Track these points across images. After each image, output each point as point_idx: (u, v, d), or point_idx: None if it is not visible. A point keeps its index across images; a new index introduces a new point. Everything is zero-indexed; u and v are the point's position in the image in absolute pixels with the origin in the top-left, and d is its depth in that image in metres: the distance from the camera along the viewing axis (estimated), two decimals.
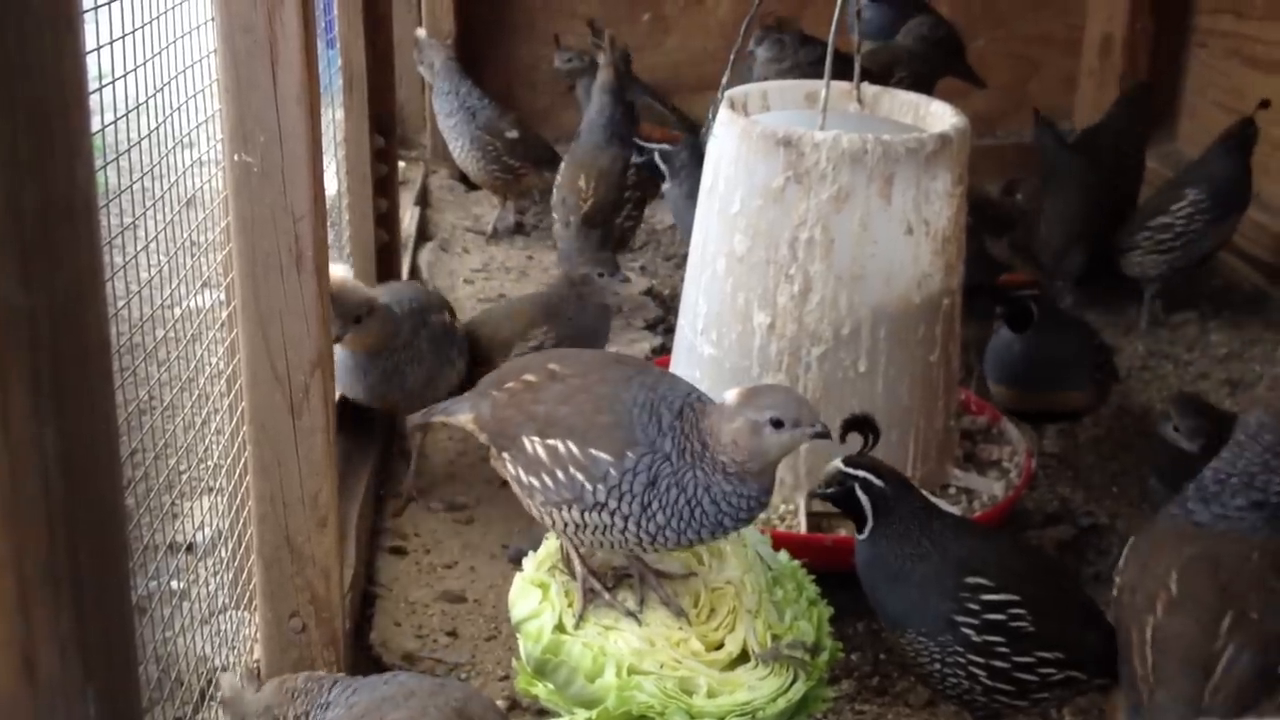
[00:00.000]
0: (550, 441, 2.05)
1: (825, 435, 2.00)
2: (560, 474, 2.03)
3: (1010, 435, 3.07)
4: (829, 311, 2.69)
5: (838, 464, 2.30)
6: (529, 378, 2.15)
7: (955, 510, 2.64)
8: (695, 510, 1.99)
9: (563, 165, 4.33)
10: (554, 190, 4.33)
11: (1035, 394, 3.21)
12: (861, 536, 2.29)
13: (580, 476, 2.01)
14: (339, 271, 3.01)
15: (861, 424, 2.30)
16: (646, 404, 2.01)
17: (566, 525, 2.06)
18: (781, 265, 2.71)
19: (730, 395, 2.00)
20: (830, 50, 2.77)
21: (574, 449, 2.02)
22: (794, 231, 2.68)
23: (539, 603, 2.15)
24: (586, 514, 2.02)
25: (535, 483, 2.07)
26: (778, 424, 1.95)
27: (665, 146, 3.37)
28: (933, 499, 2.48)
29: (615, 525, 2.01)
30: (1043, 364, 3.21)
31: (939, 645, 2.21)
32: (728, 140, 2.79)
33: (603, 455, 2.00)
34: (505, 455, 2.14)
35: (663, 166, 3.38)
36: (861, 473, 2.28)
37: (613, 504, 1.99)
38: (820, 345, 2.71)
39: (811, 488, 2.42)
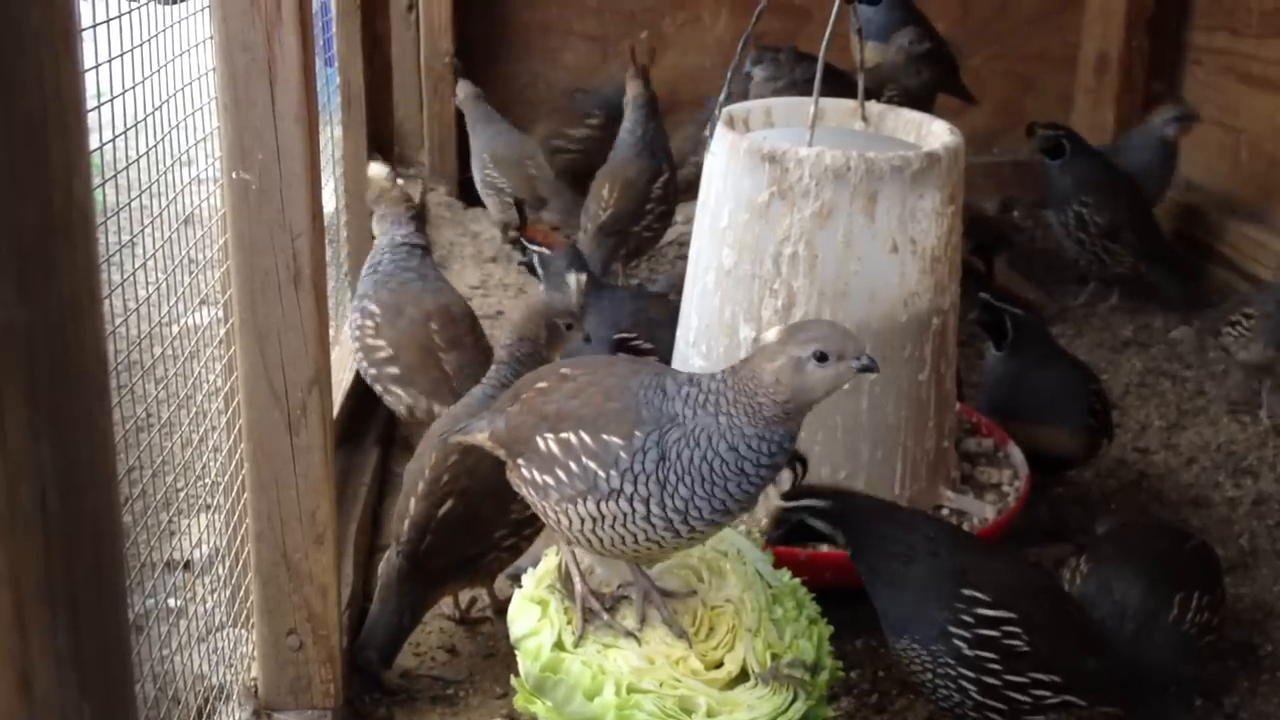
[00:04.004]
0: (563, 435, 2.03)
1: (872, 369, 1.94)
2: (573, 465, 2.01)
3: (1014, 459, 3.05)
4: None
5: (776, 503, 2.30)
6: (541, 385, 2.16)
7: None
8: (714, 463, 1.93)
9: (597, 174, 4.43)
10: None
11: (1017, 425, 3.11)
12: (851, 554, 2.30)
13: (593, 465, 1.99)
14: None
15: (789, 461, 2.31)
16: (653, 384, 2.00)
17: (583, 522, 2.03)
18: (766, 280, 2.71)
19: (772, 334, 1.96)
20: (820, 66, 2.78)
21: (585, 437, 2.00)
22: (778, 246, 2.69)
23: (538, 620, 2.14)
24: (603, 504, 1.99)
25: (549, 480, 2.05)
26: (822, 358, 1.90)
27: (545, 251, 3.41)
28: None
29: (637, 512, 1.97)
30: (1026, 394, 3.14)
31: (930, 654, 2.20)
32: (720, 155, 2.81)
33: (613, 439, 1.97)
34: (520, 462, 2.13)
35: (539, 270, 3.40)
36: (802, 502, 2.29)
37: (628, 488, 1.96)
38: None
39: (768, 536, 2.41)
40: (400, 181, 3.29)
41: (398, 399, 3.11)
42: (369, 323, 3.13)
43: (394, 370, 3.09)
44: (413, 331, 3.11)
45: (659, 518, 1.97)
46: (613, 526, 2.00)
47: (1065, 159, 4.36)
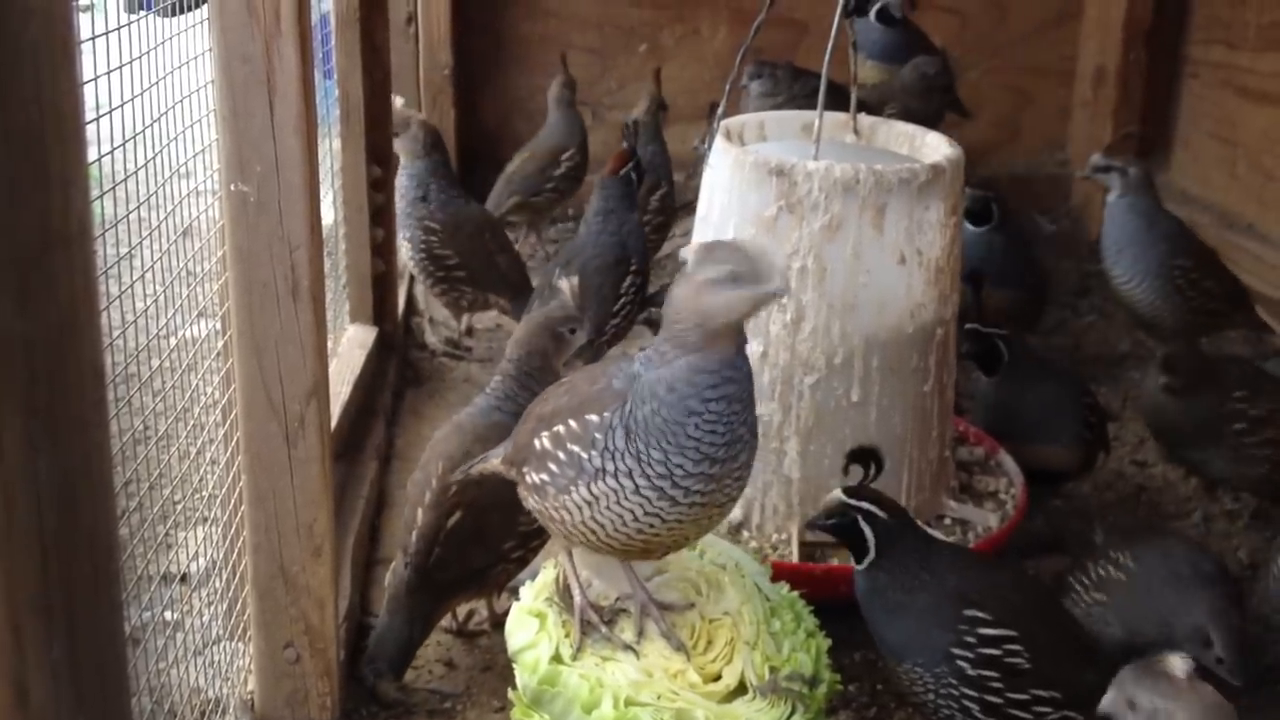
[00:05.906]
0: (555, 429, 2.05)
1: (781, 294, 1.89)
2: (561, 454, 2.02)
3: (1008, 467, 3.06)
4: (821, 340, 2.70)
5: (839, 495, 2.29)
6: (544, 397, 2.20)
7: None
8: (662, 411, 1.91)
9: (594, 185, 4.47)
10: None
11: (1013, 446, 3.11)
12: (860, 567, 2.29)
13: (576, 448, 2.00)
14: None
15: (865, 455, 2.29)
16: (628, 358, 2.03)
17: (581, 509, 2.02)
18: None
19: (689, 259, 1.95)
20: (824, 79, 2.78)
21: (572, 424, 2.02)
22: (787, 260, 2.69)
23: (536, 633, 2.14)
24: (592, 485, 1.98)
25: (545, 477, 2.06)
26: (735, 279, 1.86)
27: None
28: (928, 530, 2.47)
29: (625, 488, 1.96)
30: (1019, 415, 3.14)
31: (934, 676, 2.20)
32: (721, 169, 2.81)
33: (592, 417, 1.99)
34: (525, 470, 2.13)
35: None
36: (865, 504, 2.27)
37: (610, 466, 1.96)
38: (813, 374, 2.71)
39: (811, 517, 2.41)
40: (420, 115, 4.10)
41: (461, 294, 4.01)
42: (434, 238, 3.95)
43: (461, 274, 3.96)
44: (472, 243, 3.96)
45: (648, 488, 1.95)
46: (608, 507, 1.99)
47: (989, 226, 3.90)
